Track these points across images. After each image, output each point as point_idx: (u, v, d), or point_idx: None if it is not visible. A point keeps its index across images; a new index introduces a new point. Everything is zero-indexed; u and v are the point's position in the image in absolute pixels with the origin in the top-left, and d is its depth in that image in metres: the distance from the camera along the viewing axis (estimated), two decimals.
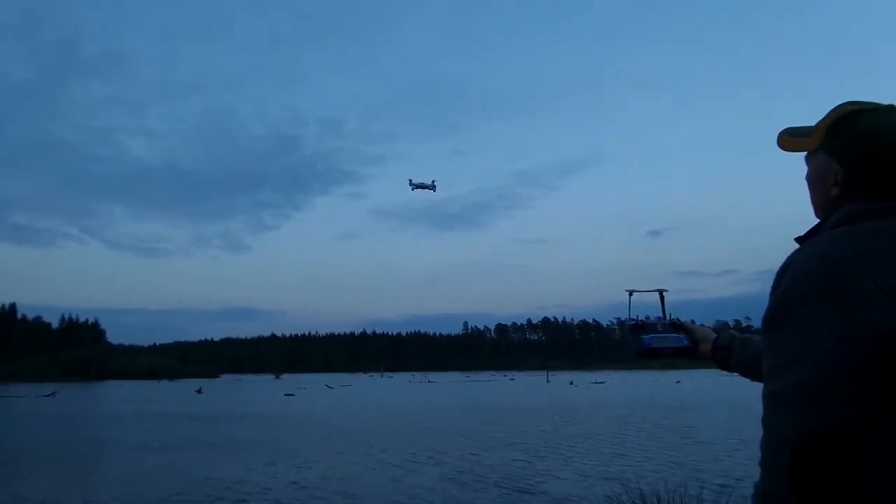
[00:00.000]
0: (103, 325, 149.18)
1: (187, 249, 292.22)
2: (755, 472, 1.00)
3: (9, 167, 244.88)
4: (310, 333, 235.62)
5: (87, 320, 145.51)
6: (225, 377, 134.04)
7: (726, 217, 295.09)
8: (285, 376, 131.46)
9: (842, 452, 0.92)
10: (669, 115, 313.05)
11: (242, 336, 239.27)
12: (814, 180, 1.18)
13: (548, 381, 78.47)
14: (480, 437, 18.94)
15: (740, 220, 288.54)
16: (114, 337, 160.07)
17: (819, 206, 1.18)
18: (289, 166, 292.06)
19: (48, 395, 51.33)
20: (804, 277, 1.00)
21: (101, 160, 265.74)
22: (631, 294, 1.66)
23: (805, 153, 1.21)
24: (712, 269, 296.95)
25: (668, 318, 1.63)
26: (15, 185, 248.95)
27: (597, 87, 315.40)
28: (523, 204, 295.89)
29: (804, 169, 1.21)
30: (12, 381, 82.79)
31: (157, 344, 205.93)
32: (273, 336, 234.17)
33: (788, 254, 1.07)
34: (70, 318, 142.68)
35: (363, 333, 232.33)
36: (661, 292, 1.66)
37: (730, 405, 28.25)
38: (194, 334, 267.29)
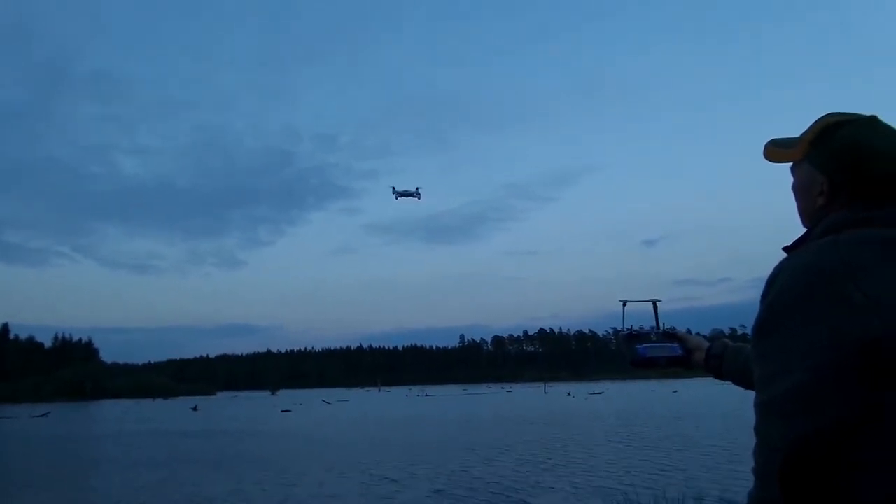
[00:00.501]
0: (97, 343, 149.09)
1: (181, 266, 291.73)
2: (750, 481, 1.01)
3: (1, 187, 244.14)
4: (306, 349, 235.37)
5: (80, 339, 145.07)
6: (221, 394, 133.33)
7: (721, 225, 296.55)
8: (282, 392, 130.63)
9: (830, 460, 0.92)
10: (662, 125, 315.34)
11: (238, 352, 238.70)
12: (800, 190, 1.21)
13: (545, 393, 78.26)
14: (475, 451, 18.83)
15: (735, 229, 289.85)
16: (108, 356, 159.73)
17: (805, 215, 1.20)
18: (283, 182, 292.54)
19: (41, 416, 50.87)
20: (791, 287, 1.01)
21: (93, 178, 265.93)
22: (625, 304, 1.67)
23: (790, 164, 1.24)
24: (709, 277, 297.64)
25: (661, 327, 1.64)
26: (7, 205, 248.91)
27: (588, 99, 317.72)
28: (517, 216, 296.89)
29: (791, 179, 1.24)
30: (5, 402, 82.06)
31: (152, 362, 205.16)
32: (269, 352, 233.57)
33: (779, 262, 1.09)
34: (63, 338, 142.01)
35: (359, 348, 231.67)
36: (654, 302, 1.67)
37: (726, 414, 28.19)
38: (189, 351, 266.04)
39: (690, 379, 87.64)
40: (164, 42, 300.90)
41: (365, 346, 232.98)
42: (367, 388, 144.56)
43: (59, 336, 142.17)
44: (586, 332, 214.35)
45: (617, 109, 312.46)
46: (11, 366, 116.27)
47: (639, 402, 48.06)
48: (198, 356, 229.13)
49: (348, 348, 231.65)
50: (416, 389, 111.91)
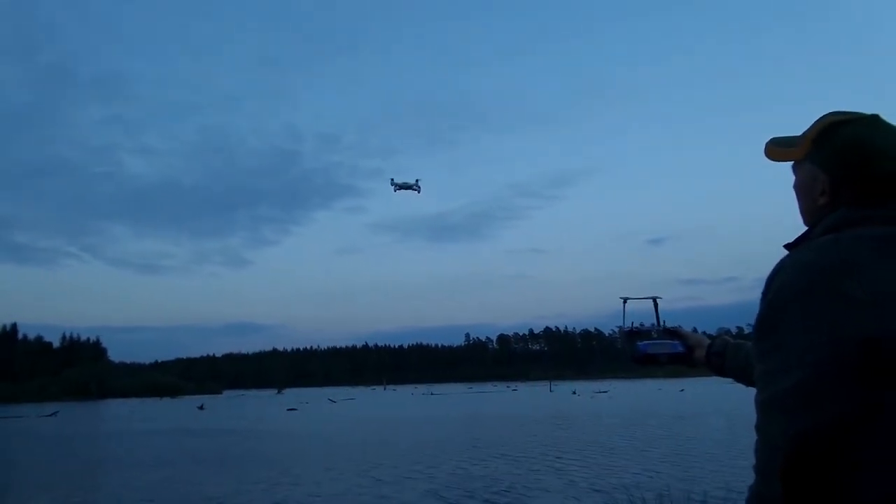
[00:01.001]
0: (105, 343, 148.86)
1: (188, 266, 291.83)
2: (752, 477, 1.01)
3: (9, 188, 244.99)
4: (312, 347, 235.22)
5: (88, 339, 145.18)
6: (227, 393, 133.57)
7: (727, 224, 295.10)
8: (288, 391, 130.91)
9: (831, 457, 0.93)
10: (667, 125, 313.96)
11: (244, 351, 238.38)
12: (801, 189, 1.21)
13: (551, 391, 78.20)
14: (478, 450, 18.82)
15: (741, 228, 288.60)
16: (115, 355, 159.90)
17: (807, 214, 1.20)
18: (288, 181, 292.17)
19: (50, 415, 51.10)
20: (791, 284, 1.01)
21: (100, 179, 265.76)
22: (625, 301, 1.69)
23: (792, 163, 1.24)
24: (714, 276, 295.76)
25: (661, 325, 1.65)
26: (15, 206, 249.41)
27: (592, 99, 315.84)
28: (522, 214, 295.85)
29: (792, 177, 1.25)
30: (14, 402, 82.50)
31: (159, 361, 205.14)
32: (275, 351, 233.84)
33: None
34: (71, 337, 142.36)
35: (365, 347, 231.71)
36: (654, 300, 1.68)
37: (731, 412, 28.11)
38: (196, 350, 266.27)
39: (697, 377, 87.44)
40: (169, 44, 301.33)
41: (370, 344, 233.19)
42: (372, 387, 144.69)
43: (68, 336, 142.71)
44: (592, 330, 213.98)
45: (622, 109, 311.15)
46: (20, 366, 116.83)
47: (645, 401, 47.92)
48: (204, 355, 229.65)
49: (354, 347, 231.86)
50: (421, 388, 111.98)
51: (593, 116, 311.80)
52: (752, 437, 0.99)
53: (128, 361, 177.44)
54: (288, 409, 53.14)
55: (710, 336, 1.62)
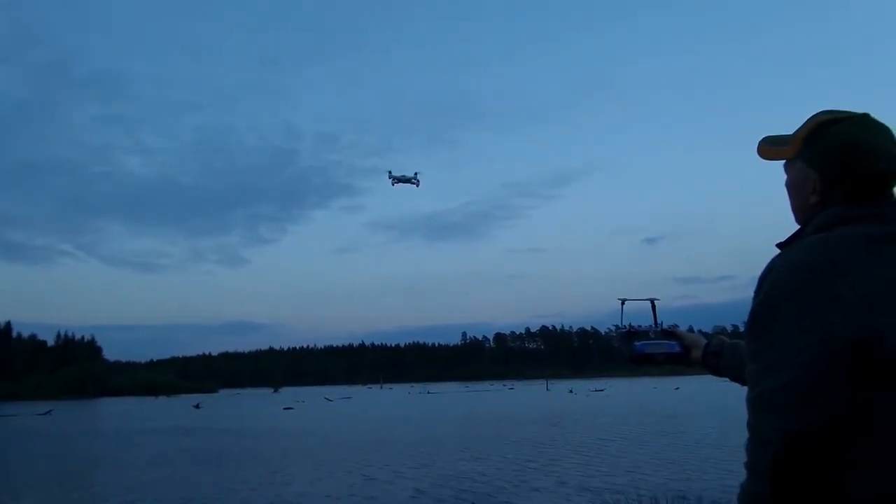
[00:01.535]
0: (100, 341, 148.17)
1: (184, 264, 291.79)
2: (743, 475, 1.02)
3: (4, 185, 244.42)
4: (308, 346, 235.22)
5: (83, 337, 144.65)
6: (223, 391, 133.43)
7: (722, 223, 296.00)
8: (284, 389, 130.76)
9: (821, 456, 0.93)
10: (663, 124, 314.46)
11: (241, 350, 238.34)
12: (793, 188, 1.22)
13: (547, 390, 78.24)
14: (471, 449, 18.76)
15: (736, 226, 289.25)
16: (111, 353, 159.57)
17: (799, 212, 1.21)
18: (285, 180, 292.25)
19: (44, 414, 50.89)
20: (783, 284, 1.02)
21: (96, 177, 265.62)
22: (623, 303, 1.70)
23: (784, 161, 1.25)
24: (710, 274, 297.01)
25: (659, 325, 1.67)
26: (10, 203, 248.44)
27: (590, 98, 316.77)
28: (519, 214, 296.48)
29: (784, 176, 1.26)
30: (8, 400, 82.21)
31: (155, 360, 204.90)
32: (271, 349, 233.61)
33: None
34: (66, 336, 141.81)
35: (362, 345, 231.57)
36: (652, 301, 1.69)
37: (724, 410, 28.11)
38: (192, 349, 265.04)
39: (692, 376, 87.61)
40: (166, 42, 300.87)
41: (367, 343, 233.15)
42: (369, 386, 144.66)
43: (63, 334, 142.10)
44: (588, 329, 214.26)
45: (619, 109, 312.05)
46: (15, 364, 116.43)
47: (640, 400, 48.04)
48: (200, 354, 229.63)
49: (351, 345, 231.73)
50: (418, 387, 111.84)
51: (591, 116, 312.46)
52: (745, 435, 1.00)
53: (124, 360, 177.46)
54: (284, 408, 53.04)
55: (706, 335, 1.63)
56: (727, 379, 1.51)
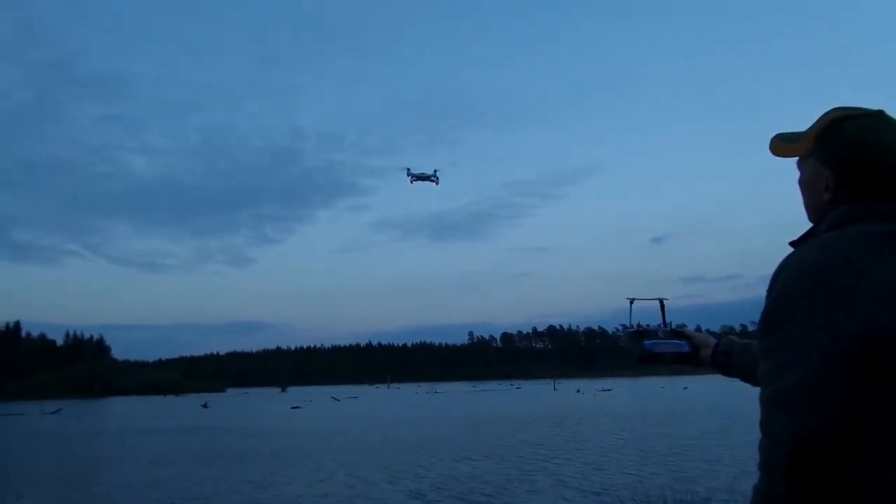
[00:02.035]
0: (108, 341, 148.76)
1: (191, 264, 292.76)
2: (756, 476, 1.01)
3: (10, 186, 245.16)
4: (315, 346, 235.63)
5: (91, 337, 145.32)
6: (231, 391, 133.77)
7: (728, 222, 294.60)
8: (291, 389, 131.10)
9: (834, 455, 0.93)
10: (669, 123, 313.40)
11: (248, 349, 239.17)
12: (806, 185, 1.21)
13: (555, 390, 78.00)
14: (476, 449, 18.63)
15: (742, 225, 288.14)
16: (119, 353, 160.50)
17: (811, 210, 1.20)
18: (290, 180, 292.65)
19: (53, 413, 51.17)
20: (795, 282, 1.02)
21: (102, 178, 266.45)
22: (632, 302, 1.69)
23: (797, 158, 1.23)
24: (716, 274, 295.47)
25: (668, 325, 1.67)
26: (17, 204, 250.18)
27: (593, 98, 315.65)
28: (524, 213, 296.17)
29: (797, 173, 1.24)
30: (17, 399, 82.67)
31: (163, 359, 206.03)
32: (278, 349, 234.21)
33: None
34: (74, 335, 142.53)
35: (368, 345, 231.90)
36: (661, 301, 1.69)
37: (734, 410, 27.94)
38: (199, 349, 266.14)
39: (700, 376, 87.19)
40: (167, 42, 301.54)
41: (374, 342, 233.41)
42: (376, 385, 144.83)
43: (71, 334, 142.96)
44: (595, 328, 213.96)
45: (624, 108, 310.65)
46: (23, 363, 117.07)
47: (648, 399, 47.80)
48: (208, 353, 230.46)
49: (357, 345, 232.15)
50: (425, 386, 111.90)
51: (595, 115, 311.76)
52: (754, 435, 0.99)
53: (131, 359, 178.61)
54: (292, 407, 53.13)
55: (714, 335, 1.63)
56: (738, 379, 1.50)
